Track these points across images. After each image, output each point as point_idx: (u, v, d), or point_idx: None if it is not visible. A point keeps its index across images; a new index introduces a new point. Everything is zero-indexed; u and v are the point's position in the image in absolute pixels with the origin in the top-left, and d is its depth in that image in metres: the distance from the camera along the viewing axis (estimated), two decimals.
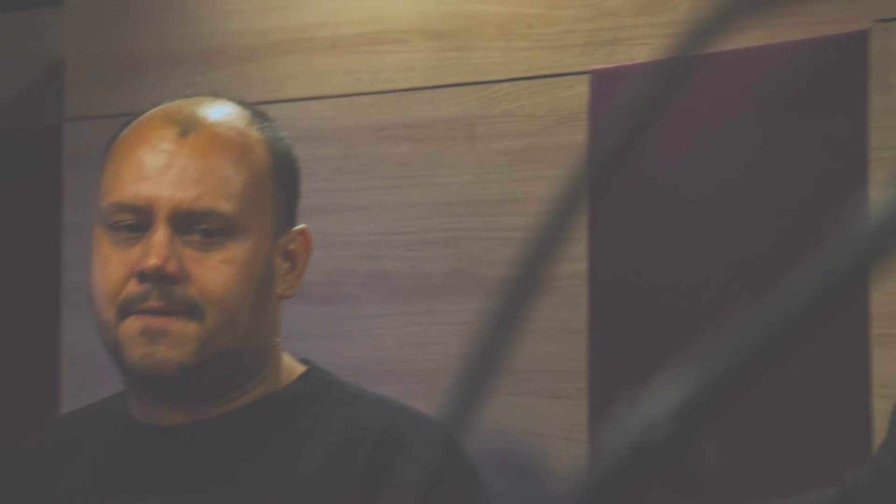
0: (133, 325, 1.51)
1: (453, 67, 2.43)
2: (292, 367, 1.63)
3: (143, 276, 1.50)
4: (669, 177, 2.19)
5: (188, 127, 1.56)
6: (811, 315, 0.46)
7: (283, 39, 2.56)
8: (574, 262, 2.27)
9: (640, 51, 2.26)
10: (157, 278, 1.50)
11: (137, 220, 1.53)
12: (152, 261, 1.49)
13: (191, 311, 1.51)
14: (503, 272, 2.35)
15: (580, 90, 2.31)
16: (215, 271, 1.52)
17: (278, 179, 1.59)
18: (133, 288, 1.51)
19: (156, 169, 1.53)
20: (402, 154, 2.46)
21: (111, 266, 1.52)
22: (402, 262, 2.43)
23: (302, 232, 1.63)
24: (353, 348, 2.44)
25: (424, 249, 2.41)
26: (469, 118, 2.40)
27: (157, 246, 1.50)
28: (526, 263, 0.55)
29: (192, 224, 1.53)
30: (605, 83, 2.28)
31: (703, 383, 0.48)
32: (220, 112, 1.60)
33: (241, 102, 1.65)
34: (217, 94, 1.66)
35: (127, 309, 1.52)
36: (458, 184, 2.40)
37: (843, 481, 1.30)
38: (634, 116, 0.54)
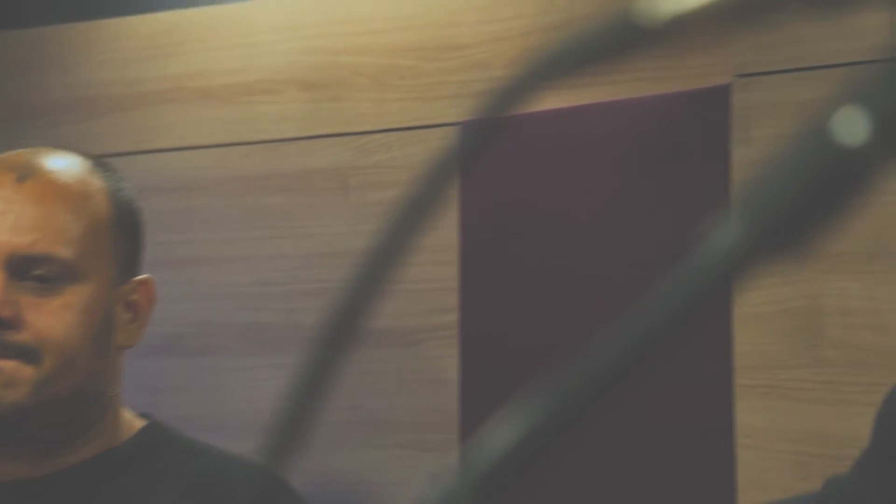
0: None
1: (326, 118, 2.43)
2: (132, 421, 1.62)
3: None
4: (538, 229, 2.20)
5: (26, 173, 1.55)
6: (642, 356, 0.46)
7: (157, 89, 2.55)
8: (445, 313, 2.28)
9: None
10: None
11: None
12: None
13: (27, 355, 1.50)
14: (376, 323, 2.34)
15: (452, 141, 2.31)
16: (52, 317, 1.51)
17: (119, 228, 1.59)
18: None
19: None
20: (275, 205, 2.45)
21: None
22: (276, 313, 2.42)
23: (144, 282, 1.63)
24: (226, 401, 2.42)
25: (298, 301, 2.39)
26: (342, 169, 2.40)
27: None
28: (339, 314, 0.54)
29: (29, 269, 1.52)
30: (474, 134, 2.28)
31: (532, 430, 0.48)
32: (59, 160, 1.59)
33: (85, 153, 1.65)
34: (62, 146, 1.66)
35: None
36: (331, 235, 2.40)
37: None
38: (445, 173, 0.54)
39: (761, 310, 1.93)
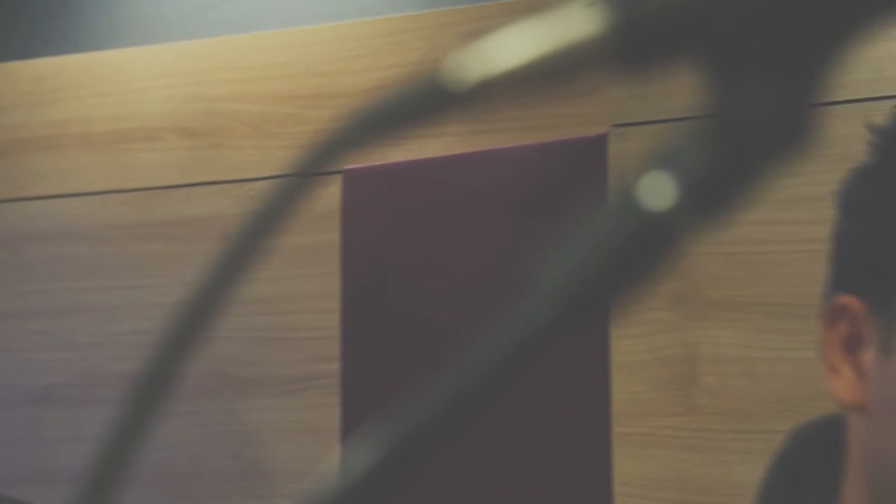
0: None
1: (206, 165, 2.41)
2: None
3: None
4: (420, 276, 2.20)
5: None
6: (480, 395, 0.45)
7: (34, 136, 2.51)
8: (327, 361, 2.26)
9: (393, 151, 2.27)
10: None
11: None
12: None
13: None
14: (257, 372, 2.32)
15: (333, 189, 2.31)
16: None
17: None
18: None
19: None
20: (154, 252, 2.42)
21: None
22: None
23: None
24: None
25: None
26: (223, 217, 2.38)
27: None
28: (155, 363, 0.53)
29: None
30: (358, 183, 2.28)
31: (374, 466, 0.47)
32: None
33: None
34: None
35: None
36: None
37: None
38: (260, 227, 0.53)
39: (638, 358, 1.94)
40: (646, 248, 0.44)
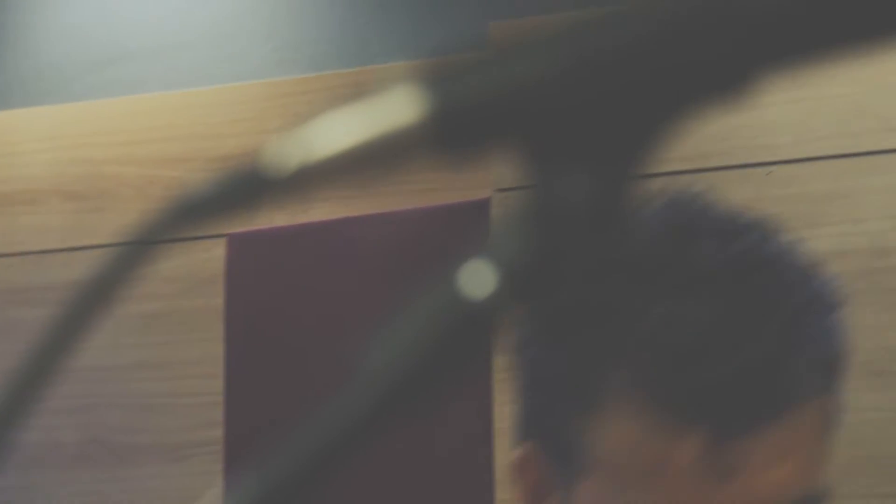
0: None
1: (90, 229, 2.38)
2: None
3: None
4: (302, 341, 2.19)
5: None
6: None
7: None
8: (210, 428, 2.24)
9: (277, 216, 2.26)
10: None
11: None
12: None
13: None
14: (140, 439, 2.29)
15: (217, 253, 2.29)
16: None
17: None
18: None
19: None
20: (37, 318, 2.38)
21: None
22: (34, 431, 2.34)
23: None
24: None
25: (57, 417, 2.32)
26: None
27: None
28: None
29: None
30: (242, 247, 2.27)
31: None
32: None
33: None
34: None
35: None
36: (93, 348, 2.34)
37: None
38: (86, 301, 0.52)
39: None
40: (465, 336, 0.44)
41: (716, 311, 0.81)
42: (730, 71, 0.43)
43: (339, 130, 0.45)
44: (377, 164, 0.45)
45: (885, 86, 1.90)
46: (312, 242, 2.21)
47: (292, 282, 2.21)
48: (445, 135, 0.44)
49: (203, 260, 2.31)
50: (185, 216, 0.45)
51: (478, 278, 0.44)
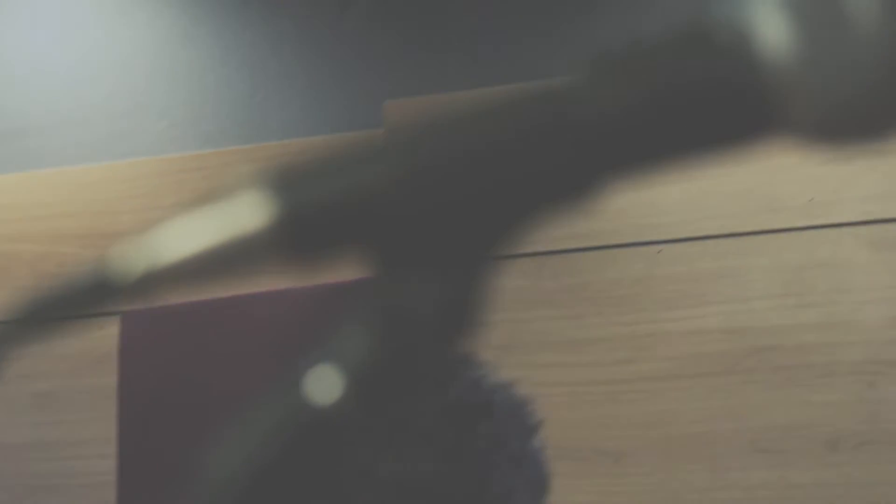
0: None
1: None
2: None
3: None
4: (196, 420, 2.17)
5: None
6: None
7: None
8: None
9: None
10: None
11: None
12: None
13: None
14: None
15: (111, 331, 2.27)
16: None
17: None
18: None
19: None
20: None
21: None
22: None
23: None
24: None
25: None
26: None
27: None
28: None
29: None
30: (136, 324, 2.25)
31: None
32: None
33: None
34: None
35: None
36: None
37: None
38: None
39: None
40: (309, 443, 0.44)
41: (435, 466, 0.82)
42: (575, 177, 0.44)
43: (187, 236, 0.45)
44: (225, 269, 0.45)
45: (769, 168, 1.93)
46: (206, 320, 2.20)
47: (186, 359, 2.20)
48: (293, 239, 0.44)
49: (96, 338, 2.29)
50: (31, 318, 0.45)
51: (322, 385, 0.44)
